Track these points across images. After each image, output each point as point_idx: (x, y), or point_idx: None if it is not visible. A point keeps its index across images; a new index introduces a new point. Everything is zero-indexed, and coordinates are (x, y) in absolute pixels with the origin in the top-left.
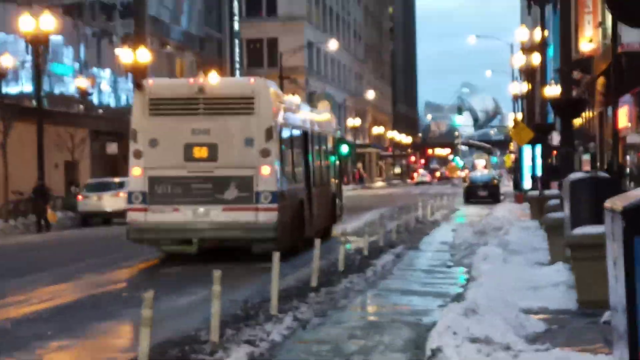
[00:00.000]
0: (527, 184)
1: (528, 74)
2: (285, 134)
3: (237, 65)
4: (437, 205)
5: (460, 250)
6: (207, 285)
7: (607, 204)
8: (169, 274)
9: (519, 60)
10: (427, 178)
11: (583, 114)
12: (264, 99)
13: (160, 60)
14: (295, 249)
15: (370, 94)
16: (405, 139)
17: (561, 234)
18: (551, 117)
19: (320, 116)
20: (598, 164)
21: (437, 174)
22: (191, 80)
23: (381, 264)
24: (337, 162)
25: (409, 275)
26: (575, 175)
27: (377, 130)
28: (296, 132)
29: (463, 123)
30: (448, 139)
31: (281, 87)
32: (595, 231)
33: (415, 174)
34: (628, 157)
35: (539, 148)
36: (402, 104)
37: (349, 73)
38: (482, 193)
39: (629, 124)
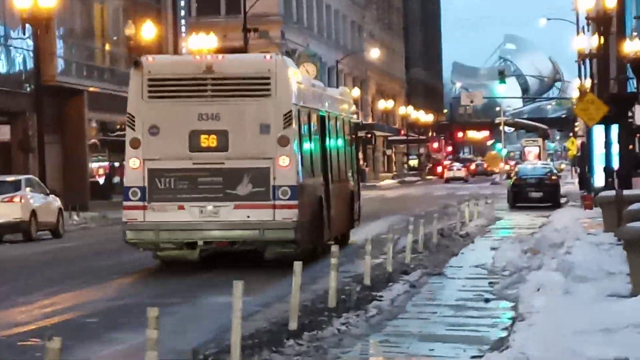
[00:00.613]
0: (598, 180)
1: (599, 23)
2: (304, 119)
3: (182, 13)
4: (470, 212)
5: (503, 277)
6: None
7: None
8: (89, 312)
9: (587, 2)
10: (463, 173)
11: None
12: (282, 79)
13: (72, 6)
14: (312, 257)
15: (374, 53)
16: (425, 116)
17: None
18: (633, 84)
19: (338, 96)
20: None
21: (472, 166)
22: (198, 57)
23: (390, 298)
24: (356, 154)
25: (430, 314)
26: None
27: (383, 104)
28: (314, 117)
29: (507, 94)
30: (486, 117)
31: (245, 43)
32: None
33: (441, 167)
34: None
35: (615, 129)
36: (420, 67)
37: (343, 23)
38: (534, 194)
39: None
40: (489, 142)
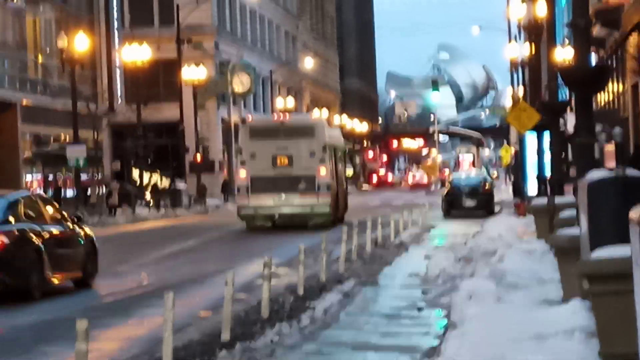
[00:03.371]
0: (531, 188)
1: (531, 31)
2: (328, 148)
3: (116, 24)
4: (404, 221)
5: (436, 285)
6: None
7: (633, 214)
8: (20, 325)
9: (518, 11)
10: (426, 179)
11: (609, 88)
12: (320, 128)
13: (3, 18)
14: (334, 225)
15: (308, 63)
16: (359, 126)
17: (577, 258)
18: (565, 92)
19: (336, 132)
20: None
21: (410, 175)
22: (275, 117)
23: (323, 307)
24: (344, 168)
25: (363, 323)
26: (594, 175)
27: (318, 114)
28: (332, 147)
29: (441, 103)
30: (421, 126)
31: (179, 54)
32: (623, 254)
33: (376, 177)
34: None
35: (547, 137)
36: (354, 77)
37: (277, 33)
38: (468, 203)
39: None
40: (424, 151)
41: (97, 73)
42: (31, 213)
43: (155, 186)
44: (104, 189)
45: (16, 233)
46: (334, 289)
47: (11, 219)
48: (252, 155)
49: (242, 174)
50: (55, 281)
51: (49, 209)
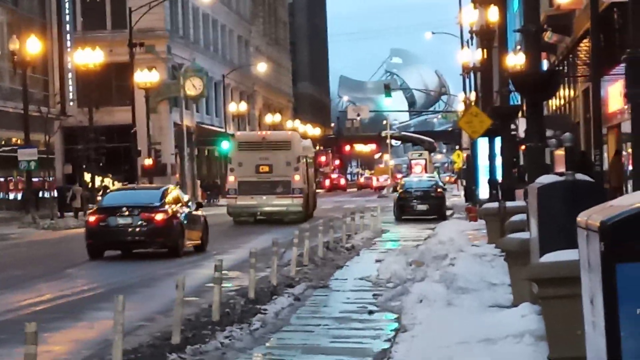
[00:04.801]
0: (483, 192)
1: (483, 36)
2: (301, 158)
3: (68, 27)
4: (356, 224)
5: (387, 289)
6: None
7: (581, 218)
8: None
9: (470, 16)
10: (389, 182)
11: (560, 93)
12: (296, 141)
13: None
14: (305, 220)
15: (261, 67)
16: (312, 130)
17: (527, 263)
18: (517, 97)
19: (308, 143)
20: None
21: (361, 179)
22: (259, 133)
23: (274, 311)
24: (314, 174)
25: (314, 326)
26: (543, 180)
27: (271, 118)
28: (304, 158)
29: (394, 107)
30: (373, 131)
31: (131, 57)
32: (572, 258)
33: (329, 181)
34: (624, 152)
35: (499, 142)
36: (307, 81)
37: (230, 37)
38: (420, 207)
39: (626, 106)
40: (377, 156)
41: (49, 76)
42: (173, 199)
43: (106, 189)
44: (55, 193)
45: (170, 212)
46: (285, 293)
47: (164, 202)
48: (239, 163)
49: (232, 178)
50: (188, 246)
51: (182, 197)
